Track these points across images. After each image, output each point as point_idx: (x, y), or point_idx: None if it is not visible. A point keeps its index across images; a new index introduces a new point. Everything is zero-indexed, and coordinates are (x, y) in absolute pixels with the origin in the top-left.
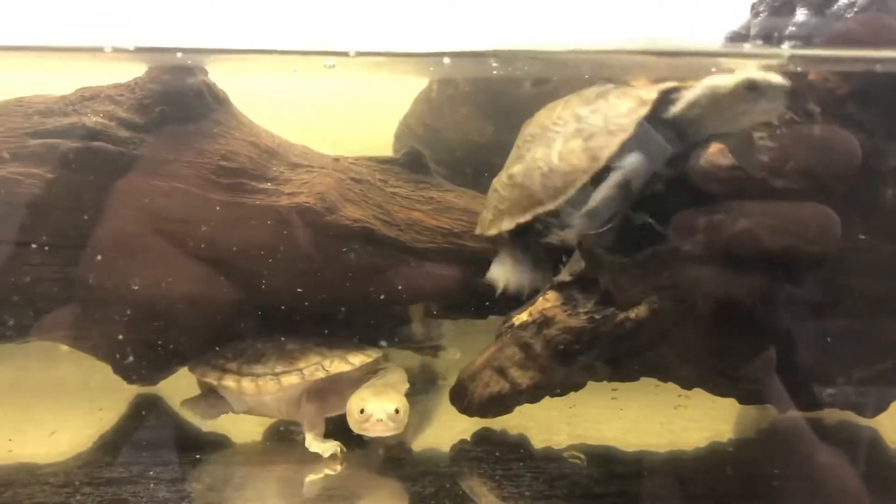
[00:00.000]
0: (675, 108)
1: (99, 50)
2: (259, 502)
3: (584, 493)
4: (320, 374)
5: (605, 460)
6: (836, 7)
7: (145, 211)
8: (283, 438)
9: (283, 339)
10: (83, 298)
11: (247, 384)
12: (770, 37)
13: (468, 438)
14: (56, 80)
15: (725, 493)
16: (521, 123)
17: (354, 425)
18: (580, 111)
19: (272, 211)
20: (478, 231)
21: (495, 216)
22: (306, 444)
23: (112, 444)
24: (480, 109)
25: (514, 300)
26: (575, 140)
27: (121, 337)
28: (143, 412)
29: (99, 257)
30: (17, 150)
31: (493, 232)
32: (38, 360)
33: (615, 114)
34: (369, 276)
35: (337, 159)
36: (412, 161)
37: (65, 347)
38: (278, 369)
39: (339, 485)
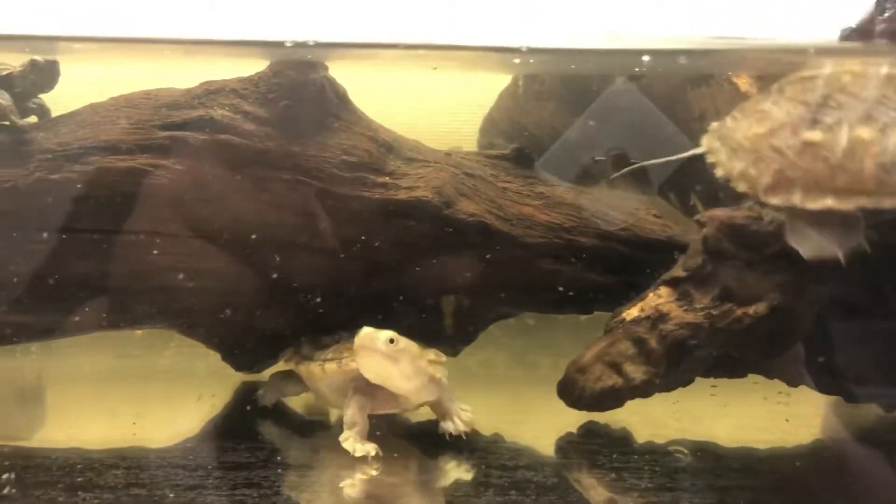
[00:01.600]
0: None
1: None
2: (397, 489)
3: (707, 485)
4: (353, 365)
5: (716, 456)
6: None
7: (269, 204)
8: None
9: None
10: (203, 287)
11: (302, 368)
12: None
13: (574, 431)
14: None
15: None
16: (609, 119)
17: (359, 365)
18: None
19: (391, 204)
20: (743, 188)
21: (778, 181)
22: (340, 438)
23: (228, 430)
24: (567, 106)
25: (622, 296)
26: None
27: (235, 326)
28: (253, 399)
29: (221, 248)
30: (146, 142)
31: (776, 201)
32: (140, 347)
33: None
34: (483, 270)
35: (448, 154)
36: (520, 156)
37: (166, 335)
38: (328, 356)
39: (455, 473)
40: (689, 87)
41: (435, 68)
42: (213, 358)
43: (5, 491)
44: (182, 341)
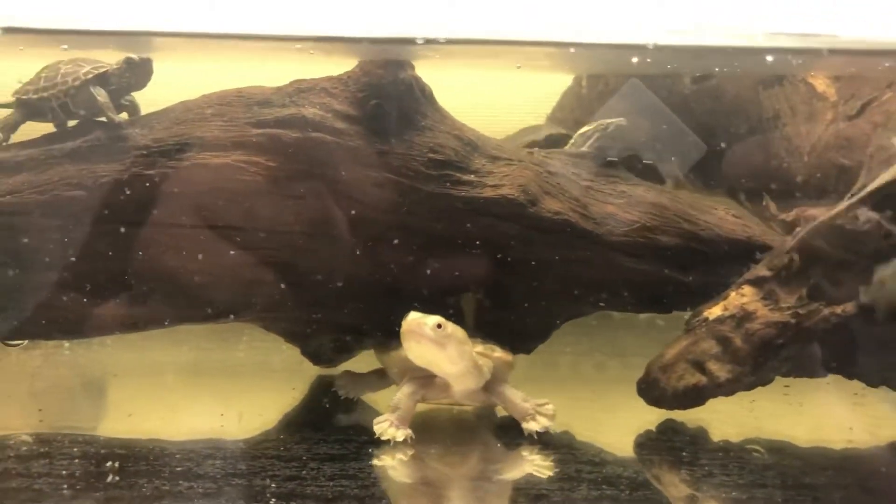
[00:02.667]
0: None
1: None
2: (493, 484)
3: (795, 483)
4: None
5: (797, 454)
6: None
7: (358, 201)
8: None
9: None
10: (289, 282)
11: (381, 357)
12: None
13: (653, 429)
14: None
15: None
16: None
17: (406, 349)
18: None
19: (477, 202)
20: None
21: None
22: (375, 420)
23: (312, 422)
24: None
25: (701, 295)
26: None
27: (317, 321)
28: (331, 392)
29: (310, 243)
30: (240, 139)
31: None
32: (214, 341)
33: None
34: (565, 268)
35: (531, 152)
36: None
37: (237, 328)
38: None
39: (545, 469)
40: (762, 87)
41: (519, 67)
42: (288, 352)
43: (109, 479)
44: (253, 335)
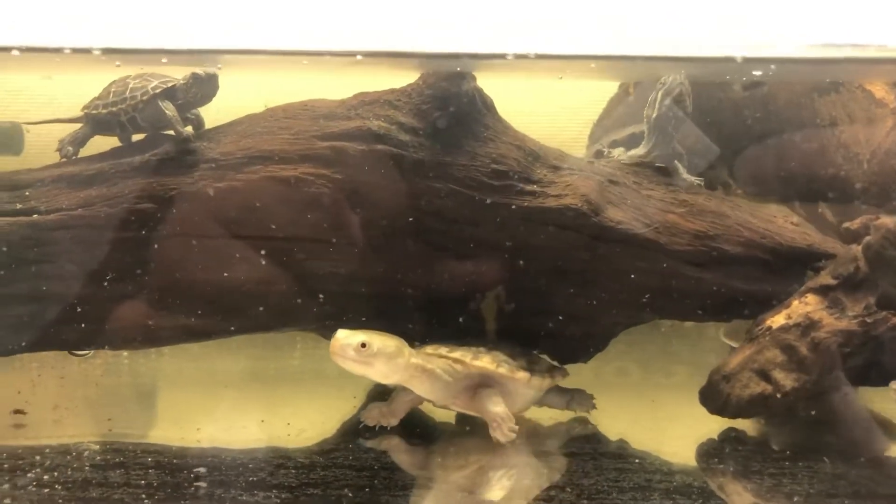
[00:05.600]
0: None
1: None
2: (568, 492)
3: (868, 492)
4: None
5: (861, 464)
6: None
7: (423, 211)
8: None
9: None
10: (351, 292)
11: None
12: None
13: (715, 438)
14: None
15: None
16: (728, 126)
17: None
18: None
19: (540, 212)
20: None
21: None
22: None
23: (375, 431)
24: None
25: (762, 303)
26: None
27: (379, 328)
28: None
29: (374, 254)
30: (307, 152)
31: None
32: (268, 349)
33: None
34: (628, 277)
35: (591, 162)
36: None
37: (290, 336)
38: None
39: (614, 476)
40: (817, 94)
41: (560, 77)
42: None
43: (186, 489)
44: (306, 343)
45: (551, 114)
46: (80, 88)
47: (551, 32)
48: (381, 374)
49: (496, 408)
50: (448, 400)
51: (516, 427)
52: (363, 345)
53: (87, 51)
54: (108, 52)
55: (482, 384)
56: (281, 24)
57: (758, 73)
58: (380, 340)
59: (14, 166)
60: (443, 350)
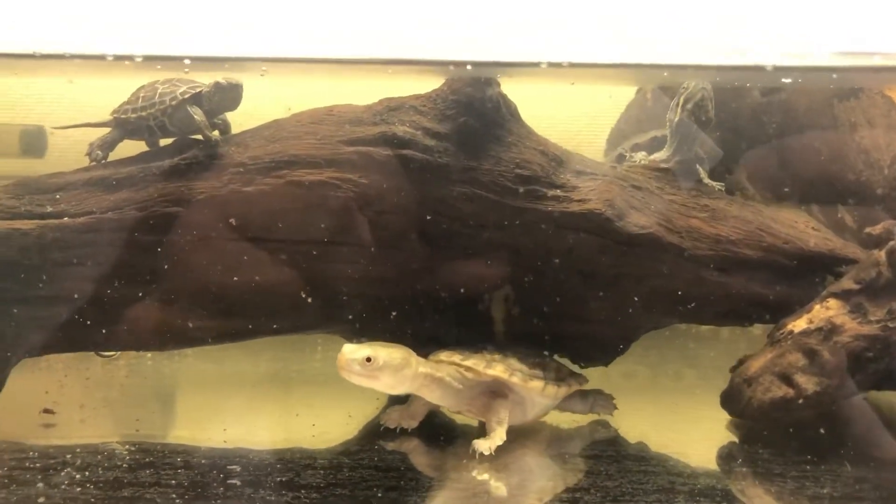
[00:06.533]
0: None
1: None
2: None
3: (892, 495)
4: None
5: (882, 466)
6: None
7: (448, 216)
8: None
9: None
10: (375, 295)
11: None
12: None
13: (736, 441)
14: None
15: None
16: (746, 132)
17: None
18: None
19: (564, 217)
20: None
21: None
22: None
23: (399, 433)
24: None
25: (782, 308)
26: None
27: (402, 333)
28: None
29: (400, 257)
30: (333, 157)
31: None
32: (290, 350)
33: None
34: (651, 282)
35: (613, 166)
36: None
37: (311, 338)
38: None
39: (637, 479)
40: (837, 100)
41: (573, 83)
42: None
43: (216, 489)
44: (327, 345)
45: (567, 119)
46: (100, 93)
47: (565, 37)
48: (388, 385)
49: (498, 424)
50: (461, 406)
51: (496, 445)
52: (368, 359)
53: (129, 57)
54: (148, 58)
55: (496, 392)
56: (303, 30)
57: (787, 80)
58: (385, 353)
59: (37, 169)
60: (457, 357)
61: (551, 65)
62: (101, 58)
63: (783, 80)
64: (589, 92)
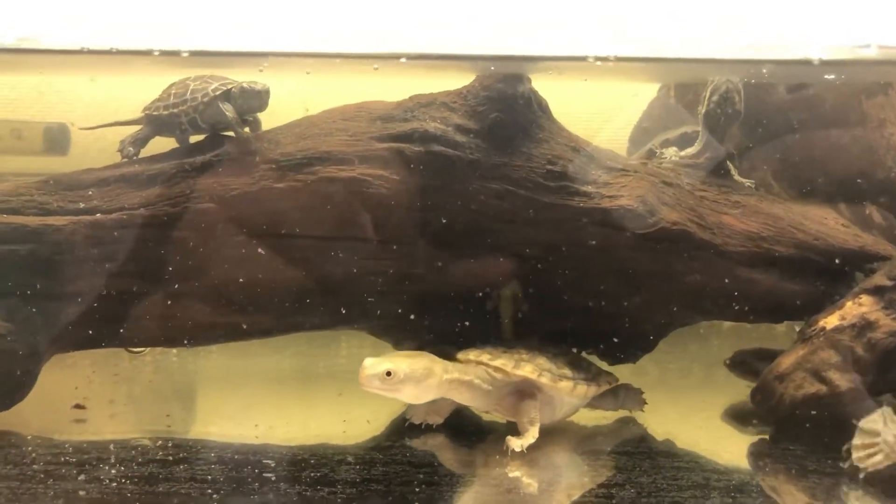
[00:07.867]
0: None
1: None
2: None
3: None
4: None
5: None
6: None
7: (478, 213)
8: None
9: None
10: (406, 292)
11: None
12: None
13: (766, 437)
14: None
15: None
16: (772, 129)
17: None
18: None
19: (595, 213)
20: None
21: None
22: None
23: (428, 429)
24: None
25: (813, 304)
26: None
27: (431, 330)
28: None
29: (431, 254)
30: (365, 153)
31: None
32: (314, 347)
33: None
34: (683, 279)
35: (644, 163)
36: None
37: (333, 334)
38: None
39: (672, 475)
40: (864, 96)
41: (586, 80)
42: None
43: (251, 484)
44: (351, 342)
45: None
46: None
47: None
48: (412, 396)
49: (529, 424)
50: (490, 406)
51: (528, 443)
52: (388, 373)
53: (147, 53)
54: (165, 53)
55: (525, 392)
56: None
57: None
58: (406, 365)
59: (61, 166)
60: (485, 357)
61: (598, 59)
62: (149, 53)
63: (825, 76)
64: (607, 88)
